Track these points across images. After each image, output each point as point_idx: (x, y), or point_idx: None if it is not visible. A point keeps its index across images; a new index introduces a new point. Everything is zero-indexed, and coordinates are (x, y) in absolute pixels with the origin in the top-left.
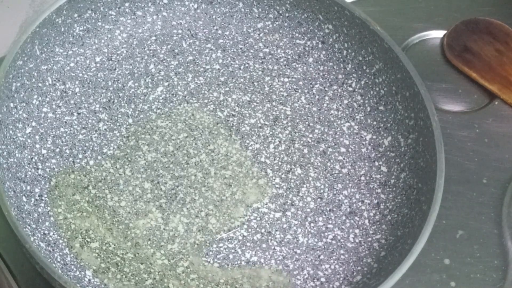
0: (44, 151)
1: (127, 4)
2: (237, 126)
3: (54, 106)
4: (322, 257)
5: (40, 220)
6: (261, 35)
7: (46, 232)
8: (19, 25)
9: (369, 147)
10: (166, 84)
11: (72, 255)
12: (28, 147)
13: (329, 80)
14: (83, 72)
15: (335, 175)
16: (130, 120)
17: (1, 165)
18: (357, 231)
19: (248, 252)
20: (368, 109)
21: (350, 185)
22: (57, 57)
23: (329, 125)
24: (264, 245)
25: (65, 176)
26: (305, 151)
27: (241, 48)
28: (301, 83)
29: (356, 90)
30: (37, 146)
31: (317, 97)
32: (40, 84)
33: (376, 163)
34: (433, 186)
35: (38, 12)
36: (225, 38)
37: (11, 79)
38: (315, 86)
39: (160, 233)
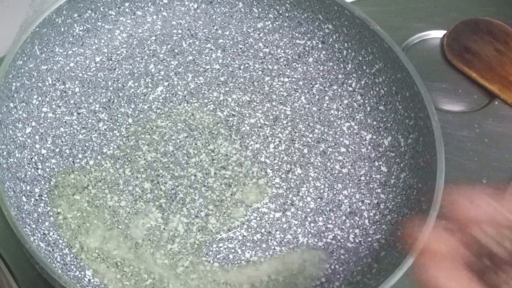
0: (44, 151)
1: (127, 4)
2: (237, 126)
3: (54, 106)
4: (322, 257)
5: (40, 220)
6: (261, 35)
7: (46, 232)
8: (19, 25)
9: (369, 147)
10: (166, 84)
11: (72, 255)
12: (28, 147)
13: (329, 80)
14: (83, 72)
15: (335, 175)
16: (130, 120)
17: (1, 165)
18: (357, 231)
19: (248, 252)
20: (368, 109)
21: (350, 185)
22: (57, 57)
23: (329, 125)
24: (264, 245)
25: (65, 176)
26: (305, 151)
27: (241, 48)
28: (301, 83)
29: (356, 90)
30: (37, 146)
31: (317, 97)
32: (40, 84)
33: (376, 163)
34: (433, 186)
35: (38, 12)
36: (225, 38)
37: (11, 79)
38: (315, 86)
39: (160, 233)
